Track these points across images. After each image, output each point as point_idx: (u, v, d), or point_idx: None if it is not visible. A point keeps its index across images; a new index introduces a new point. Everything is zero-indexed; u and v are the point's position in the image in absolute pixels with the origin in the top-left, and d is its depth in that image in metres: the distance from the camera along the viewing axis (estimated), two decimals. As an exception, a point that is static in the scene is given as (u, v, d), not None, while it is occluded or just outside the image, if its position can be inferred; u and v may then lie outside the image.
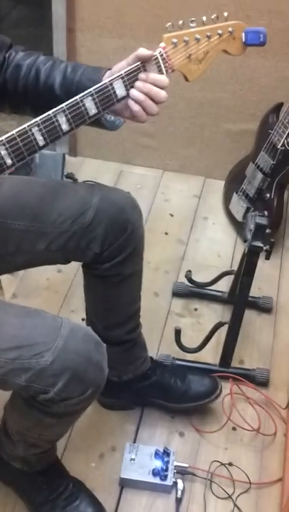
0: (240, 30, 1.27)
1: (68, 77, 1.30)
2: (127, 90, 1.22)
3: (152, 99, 1.22)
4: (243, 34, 1.27)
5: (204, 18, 1.23)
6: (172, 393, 1.74)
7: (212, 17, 1.24)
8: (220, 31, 1.25)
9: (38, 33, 2.48)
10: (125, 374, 1.69)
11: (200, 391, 1.75)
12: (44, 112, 1.17)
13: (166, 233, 2.37)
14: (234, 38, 1.27)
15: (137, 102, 1.22)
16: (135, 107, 1.22)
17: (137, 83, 1.22)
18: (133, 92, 1.22)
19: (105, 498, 1.58)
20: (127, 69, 1.21)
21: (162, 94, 1.22)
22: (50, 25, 2.33)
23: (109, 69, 1.27)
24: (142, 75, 1.21)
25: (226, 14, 1.24)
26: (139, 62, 1.22)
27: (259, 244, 1.66)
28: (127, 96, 1.23)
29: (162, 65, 1.23)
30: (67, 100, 1.18)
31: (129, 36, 2.32)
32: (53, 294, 2.11)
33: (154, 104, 1.22)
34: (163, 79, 1.22)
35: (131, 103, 1.23)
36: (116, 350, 1.62)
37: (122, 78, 1.21)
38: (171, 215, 2.45)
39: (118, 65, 1.24)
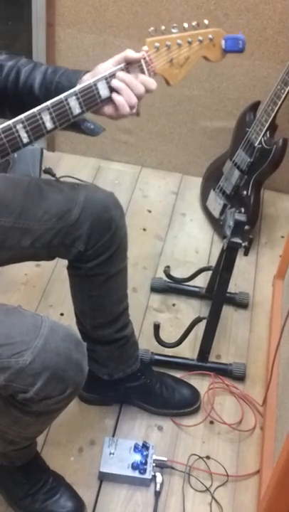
0: (220, 37, 1.30)
1: (48, 77, 1.31)
2: (111, 91, 1.24)
3: (132, 90, 1.22)
4: (223, 41, 1.31)
5: (186, 25, 1.27)
6: (155, 399, 1.76)
7: (193, 24, 1.27)
8: (200, 37, 1.28)
9: (17, 28, 2.46)
10: (116, 373, 1.70)
11: (181, 401, 1.78)
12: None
13: (144, 229, 2.38)
14: (214, 44, 1.30)
15: (118, 90, 1.22)
16: (118, 98, 1.22)
17: (118, 73, 1.22)
18: (114, 81, 1.22)
19: (85, 492, 1.59)
20: (111, 70, 1.23)
21: (141, 87, 1.23)
22: (30, 20, 2.32)
23: (88, 71, 1.28)
24: (132, 75, 1.22)
25: (206, 22, 1.28)
26: (123, 64, 1.23)
27: (238, 240, 1.68)
28: (111, 96, 1.24)
29: (145, 68, 1.25)
30: (46, 102, 1.19)
31: (108, 32, 2.33)
32: (31, 288, 2.10)
33: (133, 95, 1.23)
34: (151, 81, 1.24)
35: (114, 95, 1.23)
36: (108, 349, 1.64)
37: (106, 79, 1.23)
38: (149, 211, 2.47)
39: (103, 64, 1.25)
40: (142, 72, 1.24)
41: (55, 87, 1.28)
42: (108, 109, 1.26)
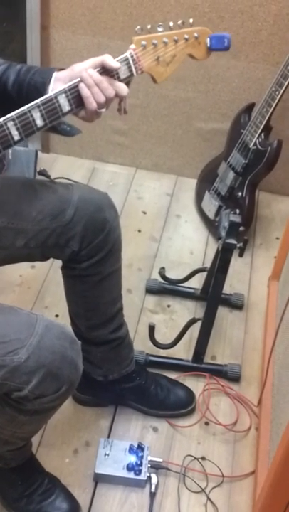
0: (206, 35, 1.32)
1: (22, 75, 1.32)
2: None
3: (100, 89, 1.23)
4: (208, 39, 1.32)
5: (171, 24, 1.28)
6: (150, 400, 1.76)
7: (178, 23, 1.29)
8: (186, 36, 1.29)
9: (11, 29, 2.46)
10: (111, 374, 1.70)
11: (176, 402, 1.78)
12: None
13: (139, 230, 2.38)
14: (199, 42, 1.32)
15: (87, 85, 1.23)
16: (85, 90, 1.23)
17: (90, 70, 1.22)
18: (85, 75, 1.22)
19: (80, 494, 1.59)
20: (99, 69, 1.24)
21: (111, 89, 1.23)
22: (24, 22, 2.32)
23: (61, 69, 1.28)
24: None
25: (191, 20, 1.29)
26: (98, 69, 1.24)
27: (233, 241, 1.68)
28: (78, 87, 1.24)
29: (132, 66, 1.26)
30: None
31: (103, 34, 2.33)
32: (26, 290, 2.10)
33: (101, 93, 1.23)
34: (123, 87, 1.25)
35: (81, 86, 1.23)
36: (102, 350, 1.64)
37: None
38: (144, 213, 2.47)
39: (80, 63, 1.26)
40: (130, 69, 1.25)
41: (27, 83, 1.29)
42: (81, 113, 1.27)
